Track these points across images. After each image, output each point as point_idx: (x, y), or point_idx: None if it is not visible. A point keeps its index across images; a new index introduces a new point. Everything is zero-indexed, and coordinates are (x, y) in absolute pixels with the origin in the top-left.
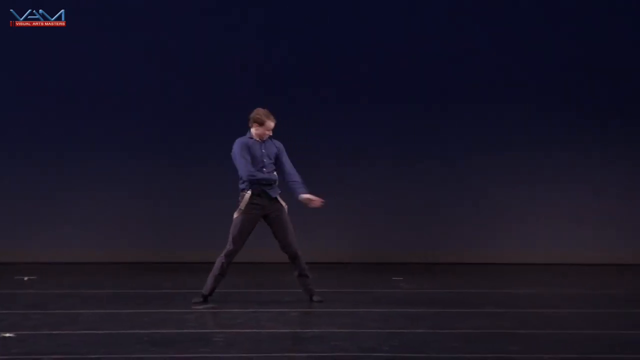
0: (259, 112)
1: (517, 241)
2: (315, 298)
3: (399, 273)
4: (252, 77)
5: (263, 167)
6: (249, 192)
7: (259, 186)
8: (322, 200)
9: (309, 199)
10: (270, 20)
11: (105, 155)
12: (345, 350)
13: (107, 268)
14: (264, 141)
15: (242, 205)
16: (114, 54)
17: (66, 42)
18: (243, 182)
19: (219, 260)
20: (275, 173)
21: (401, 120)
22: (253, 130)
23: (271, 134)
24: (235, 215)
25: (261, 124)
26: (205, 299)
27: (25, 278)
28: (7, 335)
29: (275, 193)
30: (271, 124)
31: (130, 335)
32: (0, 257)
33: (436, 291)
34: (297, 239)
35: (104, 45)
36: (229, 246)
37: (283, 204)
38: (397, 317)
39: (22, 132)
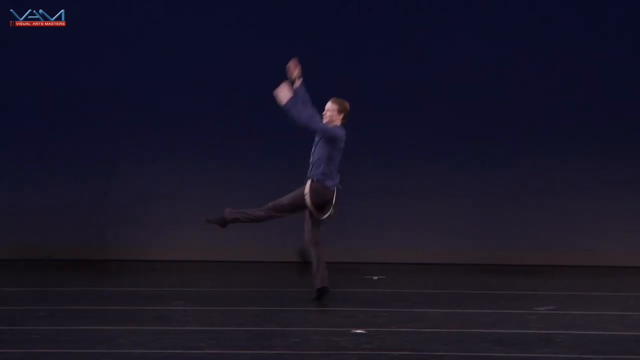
0: None
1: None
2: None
3: None
4: None
5: None
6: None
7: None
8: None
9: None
10: None
11: (446, 159)
12: None
13: (447, 269)
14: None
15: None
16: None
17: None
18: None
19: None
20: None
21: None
22: None
23: (332, 115)
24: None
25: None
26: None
27: (375, 277)
28: (359, 331)
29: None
30: (327, 105)
31: (475, 334)
32: (351, 257)
33: None
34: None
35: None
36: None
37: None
38: None
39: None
